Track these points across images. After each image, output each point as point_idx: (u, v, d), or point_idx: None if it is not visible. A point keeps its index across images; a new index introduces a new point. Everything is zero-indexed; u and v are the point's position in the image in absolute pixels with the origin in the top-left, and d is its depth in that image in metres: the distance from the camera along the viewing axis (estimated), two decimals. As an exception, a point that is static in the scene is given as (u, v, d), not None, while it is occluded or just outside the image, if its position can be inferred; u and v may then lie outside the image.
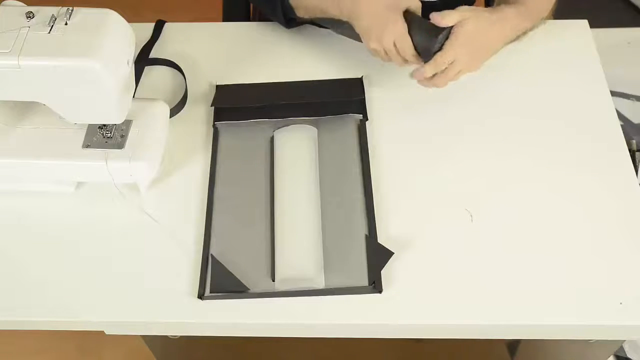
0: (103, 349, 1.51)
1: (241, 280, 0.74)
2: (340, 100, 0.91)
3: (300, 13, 0.93)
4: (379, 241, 0.77)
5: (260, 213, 0.81)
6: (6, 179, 0.83)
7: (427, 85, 0.84)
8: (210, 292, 0.74)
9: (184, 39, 1.01)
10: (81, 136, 0.80)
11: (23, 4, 0.73)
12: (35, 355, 1.51)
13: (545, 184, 0.82)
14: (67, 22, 0.70)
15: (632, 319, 0.71)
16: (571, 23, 0.99)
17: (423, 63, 0.82)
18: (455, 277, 0.75)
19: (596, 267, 0.75)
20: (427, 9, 0.84)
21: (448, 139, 0.87)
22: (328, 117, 0.89)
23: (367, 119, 0.89)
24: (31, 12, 0.70)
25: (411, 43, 0.82)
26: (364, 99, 0.91)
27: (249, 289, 0.74)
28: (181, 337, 0.87)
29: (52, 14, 0.70)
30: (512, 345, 0.94)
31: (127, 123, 0.81)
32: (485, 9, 0.86)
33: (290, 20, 0.96)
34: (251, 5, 1.18)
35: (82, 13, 0.71)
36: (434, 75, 0.83)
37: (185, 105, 0.92)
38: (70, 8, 0.70)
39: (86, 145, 0.79)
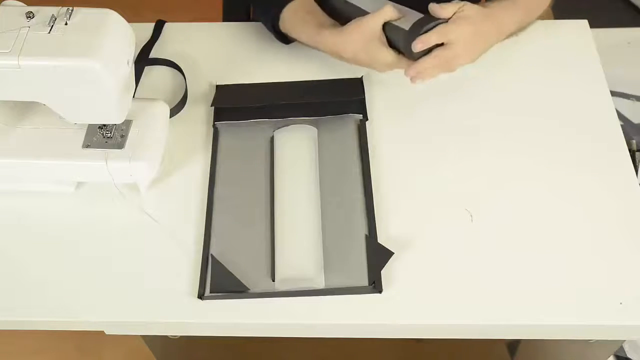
0: (103, 349, 1.51)
1: (241, 280, 0.74)
2: (340, 100, 0.91)
3: (287, 33, 0.94)
4: (379, 241, 0.77)
5: (260, 213, 0.81)
6: (6, 179, 0.83)
7: (424, 76, 0.84)
8: (210, 292, 0.74)
9: (184, 39, 1.01)
10: (81, 136, 0.80)
11: (23, 4, 0.73)
12: (35, 355, 1.51)
13: (545, 184, 0.82)
14: (67, 22, 0.70)
15: (632, 319, 0.71)
16: (571, 23, 0.99)
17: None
18: (455, 277, 0.75)
19: (596, 267, 0.75)
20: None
21: (448, 139, 0.87)
22: (328, 117, 0.89)
23: (367, 119, 0.89)
24: (31, 12, 0.70)
25: (404, 60, 0.84)
26: (364, 99, 0.91)
27: (249, 289, 0.74)
28: (181, 337, 0.87)
29: (52, 14, 0.70)
30: (512, 345, 0.94)
31: (127, 123, 0.81)
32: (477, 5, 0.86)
33: (286, 39, 0.96)
34: (251, 5, 1.18)
35: (82, 13, 0.71)
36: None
37: (185, 105, 0.92)
38: (70, 8, 0.70)
39: (86, 145, 0.79)
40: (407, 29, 0.82)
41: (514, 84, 0.92)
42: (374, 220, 0.79)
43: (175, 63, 0.97)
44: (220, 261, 0.76)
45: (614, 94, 1.00)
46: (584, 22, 1.00)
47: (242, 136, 0.88)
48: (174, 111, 0.90)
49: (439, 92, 0.91)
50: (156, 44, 1.00)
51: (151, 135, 0.81)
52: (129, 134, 0.80)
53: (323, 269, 0.75)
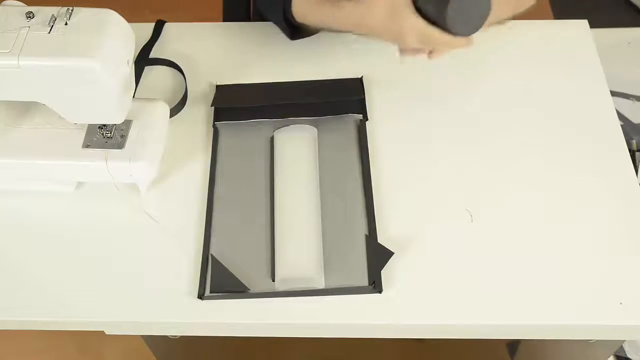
0: (103, 349, 1.51)
1: (241, 281, 0.74)
2: (340, 100, 0.91)
3: (304, 24, 0.88)
4: (379, 241, 0.77)
5: (260, 213, 0.81)
6: (6, 179, 0.83)
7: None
8: (210, 292, 0.74)
9: (184, 39, 1.01)
10: (81, 136, 0.80)
11: (23, 4, 0.73)
12: (35, 355, 1.51)
13: (545, 184, 0.82)
14: (67, 22, 0.70)
15: (632, 319, 0.71)
16: (571, 23, 0.99)
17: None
18: (455, 277, 0.75)
19: (596, 267, 0.75)
20: None
21: (448, 139, 0.87)
22: (328, 117, 0.89)
23: (367, 119, 0.89)
24: (31, 12, 0.70)
25: (437, 30, 0.76)
26: (364, 99, 0.91)
27: (249, 289, 0.74)
28: (181, 337, 0.87)
29: (52, 14, 0.70)
30: (512, 345, 0.94)
31: (127, 123, 0.81)
32: None
33: (294, 30, 0.92)
34: (251, 5, 1.18)
35: (82, 13, 0.71)
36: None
37: (185, 105, 0.92)
38: (70, 8, 0.70)
39: (86, 145, 0.79)
40: None
41: (514, 83, 0.92)
42: (374, 220, 0.79)
43: (175, 63, 0.97)
44: (220, 261, 0.76)
45: (614, 94, 1.00)
46: (584, 22, 1.00)
47: (242, 136, 0.88)
48: (174, 111, 0.90)
49: (439, 92, 0.91)
50: (156, 44, 1.00)
51: (151, 135, 0.81)
52: (129, 134, 0.80)
53: (323, 269, 0.75)
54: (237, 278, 0.74)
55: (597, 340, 0.83)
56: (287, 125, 0.88)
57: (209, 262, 0.76)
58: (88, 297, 0.75)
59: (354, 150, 0.86)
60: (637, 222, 0.78)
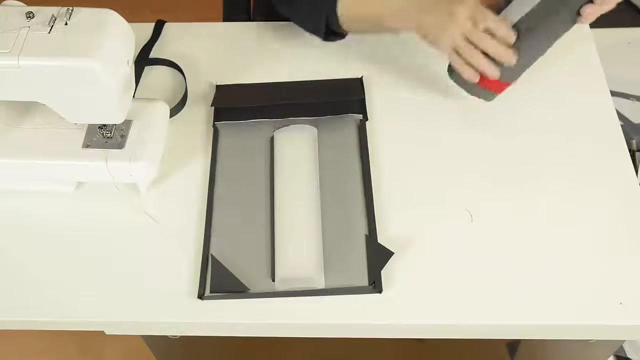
0: (103, 349, 1.51)
1: (241, 280, 0.74)
2: (340, 100, 0.91)
3: (347, 25, 0.87)
4: (379, 241, 0.77)
5: (260, 213, 0.81)
6: (6, 179, 0.83)
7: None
8: (210, 292, 0.74)
9: (184, 39, 1.01)
10: (81, 136, 0.80)
11: (23, 4, 0.73)
12: (35, 355, 1.51)
13: (545, 184, 0.82)
14: (67, 22, 0.70)
15: (632, 319, 0.71)
16: (571, 23, 0.99)
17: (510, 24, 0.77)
18: (455, 277, 0.75)
19: (596, 267, 0.75)
20: None
21: (449, 139, 0.87)
22: (328, 117, 0.89)
23: (367, 119, 0.89)
24: (31, 12, 0.70)
25: (487, 9, 0.76)
26: (364, 99, 0.91)
27: (249, 289, 0.74)
28: (181, 337, 0.87)
29: (52, 14, 0.70)
30: (512, 345, 0.94)
31: (127, 123, 0.81)
32: None
33: (330, 33, 0.91)
34: (251, 5, 1.18)
35: (82, 13, 0.71)
36: None
37: (185, 105, 0.92)
38: (70, 8, 0.70)
39: (86, 145, 0.79)
40: None
41: (514, 84, 0.92)
42: (374, 220, 0.79)
43: (175, 63, 0.97)
44: (220, 261, 0.76)
45: (614, 94, 1.00)
46: (584, 22, 1.00)
47: (242, 136, 0.88)
48: (174, 111, 0.90)
49: (439, 92, 0.91)
50: (156, 44, 1.00)
51: (151, 135, 0.81)
52: (129, 134, 0.80)
53: (323, 269, 0.75)
54: (237, 278, 0.74)
55: (597, 340, 0.83)
56: (287, 125, 0.88)
57: (209, 262, 0.76)
58: (88, 297, 0.75)
59: (354, 150, 0.86)
60: (637, 222, 0.78)
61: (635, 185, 0.81)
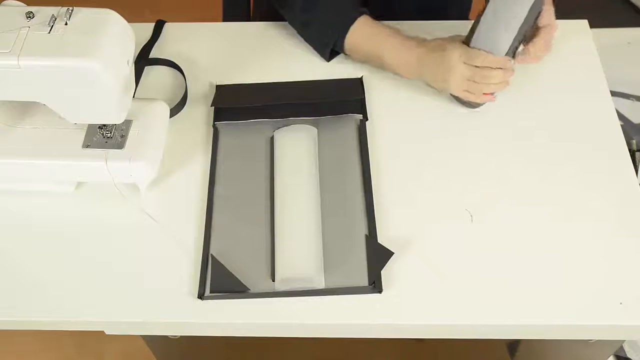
0: (103, 349, 1.51)
1: (241, 280, 0.74)
2: (340, 100, 0.91)
3: (352, 55, 0.94)
4: (379, 241, 0.77)
5: (260, 213, 0.81)
6: (6, 179, 0.83)
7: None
8: (210, 292, 0.74)
9: (184, 39, 1.01)
10: (81, 136, 0.80)
11: (23, 4, 0.73)
12: (35, 355, 1.51)
13: (545, 184, 0.82)
14: (67, 22, 0.70)
15: (632, 319, 0.71)
16: (571, 23, 0.99)
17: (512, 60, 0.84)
18: (455, 277, 0.75)
19: (596, 267, 0.75)
20: None
21: (448, 139, 0.87)
22: (328, 117, 0.89)
23: (367, 119, 0.89)
24: (31, 12, 0.70)
25: (478, 51, 0.83)
26: (364, 98, 0.91)
27: (249, 289, 0.74)
28: (181, 337, 0.87)
29: (52, 14, 0.70)
30: (512, 345, 0.94)
31: (127, 123, 0.81)
32: None
33: (334, 52, 0.95)
34: (251, 5, 1.18)
35: (82, 13, 0.71)
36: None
37: (185, 105, 0.92)
38: (70, 8, 0.70)
39: (86, 145, 0.79)
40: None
41: (513, 83, 0.92)
42: (374, 220, 0.79)
43: (175, 63, 0.97)
44: (220, 261, 0.76)
45: (614, 94, 1.00)
46: (584, 22, 1.00)
47: (242, 136, 0.88)
48: (174, 111, 0.90)
49: (439, 92, 0.91)
50: (156, 44, 1.00)
51: (151, 135, 0.81)
52: (129, 134, 0.80)
53: (323, 269, 0.75)
54: (237, 278, 0.74)
55: (597, 340, 0.83)
56: (287, 125, 0.88)
57: (209, 262, 0.76)
58: (88, 297, 0.75)
59: (354, 150, 0.86)
60: (637, 222, 0.78)
61: (635, 185, 0.81)
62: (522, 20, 0.81)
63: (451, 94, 0.89)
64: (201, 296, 0.74)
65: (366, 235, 0.78)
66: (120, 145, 0.79)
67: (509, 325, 0.73)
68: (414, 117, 0.89)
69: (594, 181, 0.82)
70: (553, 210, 0.80)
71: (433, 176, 0.83)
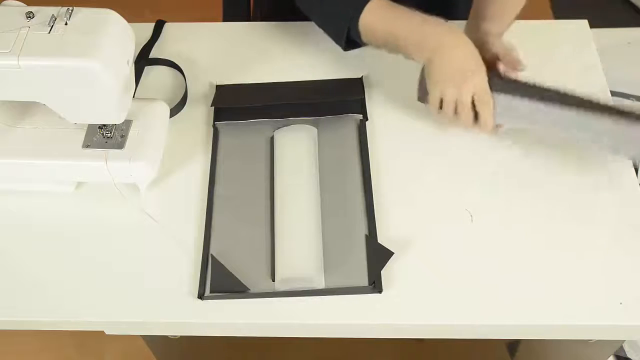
0: (103, 349, 1.51)
1: (241, 280, 0.74)
2: (340, 100, 0.91)
3: (367, 38, 0.86)
4: (379, 241, 0.77)
5: (260, 213, 0.81)
6: (6, 179, 0.83)
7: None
8: (211, 292, 0.74)
9: (184, 39, 1.01)
10: (81, 136, 0.80)
11: (23, 4, 0.73)
12: (35, 355, 1.51)
13: (545, 183, 0.82)
14: (67, 22, 0.70)
15: (632, 319, 0.71)
16: (571, 23, 0.99)
17: (495, 125, 0.82)
18: (455, 277, 0.75)
19: (596, 267, 0.75)
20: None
21: (449, 139, 0.87)
22: (328, 117, 0.89)
23: (367, 119, 0.89)
24: (31, 12, 0.70)
25: (492, 99, 0.80)
26: (364, 98, 0.91)
27: (249, 289, 0.74)
28: (181, 337, 0.87)
29: (52, 14, 0.70)
30: (512, 345, 0.94)
31: (127, 123, 0.81)
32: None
33: (350, 43, 0.89)
34: (251, 5, 1.18)
35: (82, 13, 0.71)
36: None
37: (185, 105, 0.92)
38: (70, 8, 0.70)
39: (86, 145, 0.79)
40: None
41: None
42: (374, 220, 0.79)
43: (175, 63, 0.97)
44: (220, 261, 0.76)
45: (614, 94, 1.00)
46: (584, 22, 1.00)
47: (242, 136, 0.88)
48: (174, 111, 0.90)
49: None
50: (156, 44, 1.00)
51: (151, 135, 0.81)
52: (129, 134, 0.80)
53: (323, 269, 0.75)
54: (237, 278, 0.74)
55: (597, 340, 0.83)
56: (287, 125, 0.88)
57: (209, 262, 0.76)
58: (88, 297, 0.75)
59: (354, 150, 0.86)
60: (637, 222, 0.78)
61: (636, 185, 0.81)
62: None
63: (420, 84, 0.86)
64: (201, 296, 0.74)
65: (366, 235, 0.78)
66: (120, 145, 0.79)
67: (509, 325, 0.73)
68: (415, 116, 0.89)
69: (594, 181, 0.82)
70: (553, 210, 0.80)
71: (433, 176, 0.83)
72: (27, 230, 0.81)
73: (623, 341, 1.32)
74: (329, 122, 0.89)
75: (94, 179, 0.82)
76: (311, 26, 0.99)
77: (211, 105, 0.91)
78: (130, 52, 0.75)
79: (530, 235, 0.78)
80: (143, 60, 0.97)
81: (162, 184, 0.84)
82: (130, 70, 0.75)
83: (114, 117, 0.75)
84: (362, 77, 0.94)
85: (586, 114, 0.77)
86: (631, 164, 0.84)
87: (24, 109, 0.82)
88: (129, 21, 0.75)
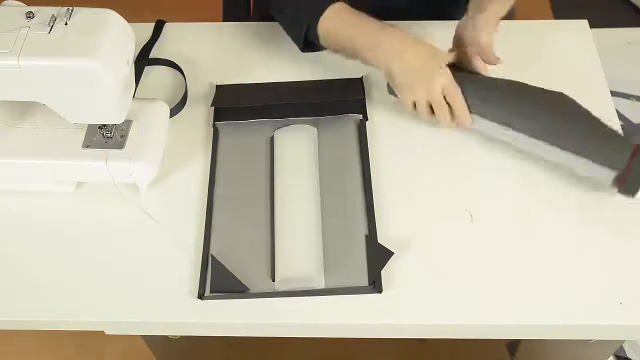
0: (103, 349, 1.51)
1: (241, 280, 0.74)
2: (340, 100, 0.91)
3: (325, 42, 0.88)
4: (379, 241, 0.77)
5: (260, 213, 0.81)
6: (6, 179, 0.83)
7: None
8: (211, 292, 0.74)
9: (184, 39, 1.01)
10: (81, 136, 0.80)
11: (23, 4, 0.73)
12: (35, 355, 1.51)
13: (545, 184, 0.82)
14: (67, 22, 0.70)
15: (632, 319, 0.71)
16: (571, 23, 0.99)
17: (470, 115, 0.82)
18: (455, 277, 0.75)
19: (596, 267, 0.75)
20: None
21: (448, 139, 0.87)
22: (328, 117, 0.89)
23: (367, 119, 0.89)
24: (31, 12, 0.70)
25: (460, 91, 0.81)
26: (364, 98, 0.91)
27: (249, 289, 0.74)
28: (181, 337, 0.87)
29: (52, 14, 0.70)
30: (512, 345, 0.94)
31: (127, 123, 0.81)
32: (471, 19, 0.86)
33: (309, 45, 0.91)
34: (251, 5, 1.18)
35: (82, 13, 0.71)
36: None
37: (185, 105, 0.92)
38: (70, 8, 0.70)
39: (86, 145, 0.79)
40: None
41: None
42: (374, 220, 0.79)
43: (175, 63, 0.97)
44: (220, 261, 0.76)
45: (614, 94, 1.00)
46: (584, 22, 1.00)
47: (242, 136, 0.88)
48: (174, 111, 0.90)
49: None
50: (156, 44, 1.00)
51: (151, 135, 0.81)
52: (129, 134, 0.80)
53: (323, 269, 0.75)
54: (237, 278, 0.74)
55: (597, 340, 0.83)
56: (287, 125, 0.88)
57: (209, 262, 0.76)
58: (88, 297, 0.75)
59: (354, 150, 0.86)
60: (637, 222, 0.78)
61: (635, 185, 0.81)
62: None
63: (388, 85, 0.87)
64: (201, 296, 0.74)
65: (366, 235, 0.78)
66: (120, 145, 0.79)
67: (509, 325, 0.73)
68: (414, 116, 0.89)
69: (594, 181, 0.82)
70: (553, 210, 0.80)
71: (433, 176, 0.83)
72: (27, 230, 0.81)
73: (623, 341, 1.32)
74: (329, 122, 0.89)
75: (94, 179, 0.82)
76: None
77: (211, 105, 0.91)
78: (130, 52, 0.75)
79: (530, 235, 0.78)
80: (143, 60, 0.97)
81: (162, 184, 0.84)
82: (130, 70, 0.75)
83: (114, 117, 0.75)
84: (362, 77, 0.94)
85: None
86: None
87: (24, 109, 0.82)
88: (129, 21, 0.75)
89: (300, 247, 0.77)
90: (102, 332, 0.77)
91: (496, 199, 0.81)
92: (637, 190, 0.76)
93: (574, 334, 0.76)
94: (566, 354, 0.96)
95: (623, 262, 0.75)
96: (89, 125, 0.81)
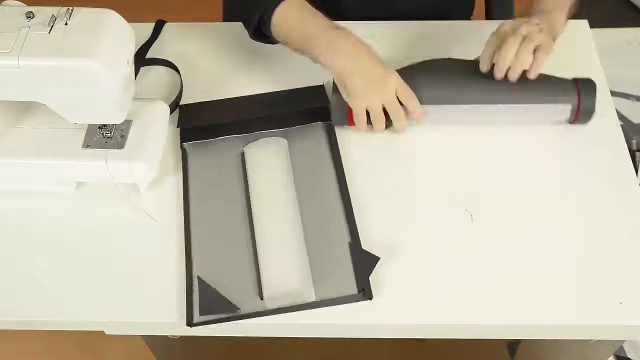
0: (103, 349, 1.51)
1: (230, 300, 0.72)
2: (306, 108, 0.89)
3: (277, 32, 0.87)
4: (363, 246, 0.76)
5: (240, 231, 0.78)
6: (6, 179, 0.83)
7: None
8: (200, 315, 0.72)
9: (184, 39, 1.01)
10: (81, 136, 0.80)
11: (23, 4, 0.73)
12: (35, 355, 1.51)
13: (545, 184, 0.82)
14: (67, 22, 0.69)
15: (632, 319, 0.71)
16: (571, 23, 0.99)
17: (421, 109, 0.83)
18: (455, 277, 0.74)
19: (596, 267, 0.75)
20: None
21: (449, 139, 0.87)
22: (296, 127, 0.88)
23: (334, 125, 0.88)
24: (31, 12, 0.70)
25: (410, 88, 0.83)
26: (330, 105, 0.89)
27: (239, 308, 0.72)
28: (181, 337, 0.87)
29: (52, 14, 0.70)
30: (512, 345, 0.94)
31: (127, 123, 0.81)
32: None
33: (259, 35, 0.90)
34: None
35: (82, 13, 0.71)
36: None
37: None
38: (70, 8, 0.70)
39: (86, 145, 0.79)
40: None
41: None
42: (355, 227, 0.77)
43: (171, 62, 0.96)
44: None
45: (614, 94, 1.00)
46: (584, 22, 1.00)
47: (212, 155, 0.86)
48: (170, 110, 0.89)
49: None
50: (156, 43, 1.00)
51: (151, 135, 0.81)
52: (129, 134, 0.80)
53: (311, 281, 0.74)
54: (226, 298, 0.72)
55: (597, 340, 0.83)
56: (257, 140, 0.86)
57: (193, 286, 0.74)
58: (88, 297, 0.75)
59: (327, 156, 0.85)
60: (637, 222, 0.78)
61: (635, 185, 0.81)
62: None
63: (334, 85, 0.86)
64: (190, 323, 0.71)
65: (350, 243, 0.76)
66: (120, 145, 0.79)
67: (509, 325, 0.73)
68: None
69: (594, 181, 0.82)
70: (553, 210, 0.80)
71: (433, 176, 0.83)
72: (27, 230, 0.81)
73: (623, 341, 1.32)
74: (298, 131, 0.88)
75: (94, 179, 0.82)
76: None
77: (177, 127, 0.88)
78: (130, 52, 0.75)
79: (529, 235, 0.78)
80: (139, 60, 0.97)
81: (162, 184, 0.84)
82: (130, 70, 0.75)
83: (114, 117, 0.75)
84: (323, 84, 0.92)
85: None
86: (631, 163, 0.84)
87: (24, 109, 0.82)
88: (129, 21, 0.75)
89: (285, 262, 0.75)
90: (102, 332, 0.77)
91: (496, 199, 0.81)
92: (591, 116, 0.85)
93: (574, 334, 0.76)
94: (566, 354, 0.96)
95: (623, 262, 0.75)
96: (89, 125, 0.81)
